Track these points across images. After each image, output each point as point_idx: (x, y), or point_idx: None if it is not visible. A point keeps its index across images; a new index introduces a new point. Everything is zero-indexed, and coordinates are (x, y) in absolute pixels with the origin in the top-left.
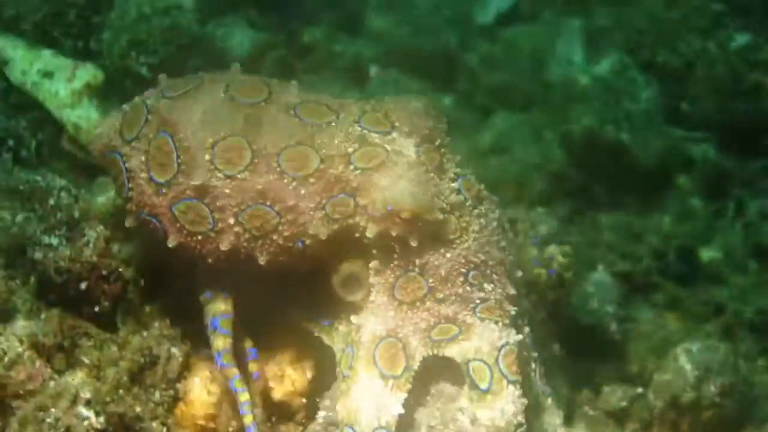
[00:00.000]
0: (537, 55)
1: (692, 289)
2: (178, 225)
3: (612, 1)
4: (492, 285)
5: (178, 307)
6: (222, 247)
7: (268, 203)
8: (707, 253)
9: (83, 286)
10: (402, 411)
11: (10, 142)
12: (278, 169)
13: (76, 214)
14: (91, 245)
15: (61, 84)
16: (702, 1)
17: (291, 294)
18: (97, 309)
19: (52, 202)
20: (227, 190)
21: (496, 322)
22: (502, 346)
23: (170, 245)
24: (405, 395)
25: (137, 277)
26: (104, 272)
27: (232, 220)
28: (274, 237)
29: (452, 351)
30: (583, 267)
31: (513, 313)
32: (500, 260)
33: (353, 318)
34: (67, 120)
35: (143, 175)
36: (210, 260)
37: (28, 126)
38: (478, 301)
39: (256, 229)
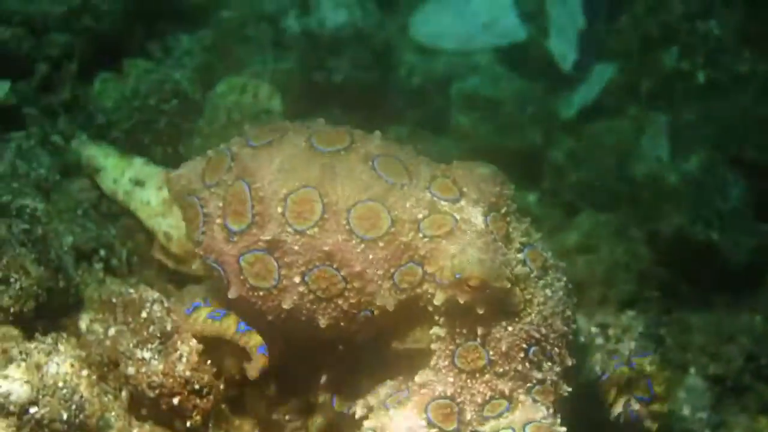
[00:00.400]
0: (622, 151)
1: None
2: (242, 277)
3: (699, 96)
4: (551, 363)
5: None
6: (284, 305)
7: (335, 266)
8: None
9: (176, 401)
10: None
11: (102, 252)
12: (347, 227)
13: (169, 327)
14: (184, 359)
15: (153, 192)
16: None
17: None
18: (189, 424)
19: (144, 314)
20: (296, 247)
21: (547, 408)
22: (538, 420)
23: (231, 296)
24: None
25: (228, 390)
26: (197, 386)
27: (297, 279)
28: (339, 302)
29: (491, 424)
30: (675, 371)
31: (566, 394)
32: (563, 333)
33: (417, 377)
34: (158, 229)
35: (218, 221)
36: (270, 318)
37: (118, 235)
38: (535, 381)
39: (321, 290)
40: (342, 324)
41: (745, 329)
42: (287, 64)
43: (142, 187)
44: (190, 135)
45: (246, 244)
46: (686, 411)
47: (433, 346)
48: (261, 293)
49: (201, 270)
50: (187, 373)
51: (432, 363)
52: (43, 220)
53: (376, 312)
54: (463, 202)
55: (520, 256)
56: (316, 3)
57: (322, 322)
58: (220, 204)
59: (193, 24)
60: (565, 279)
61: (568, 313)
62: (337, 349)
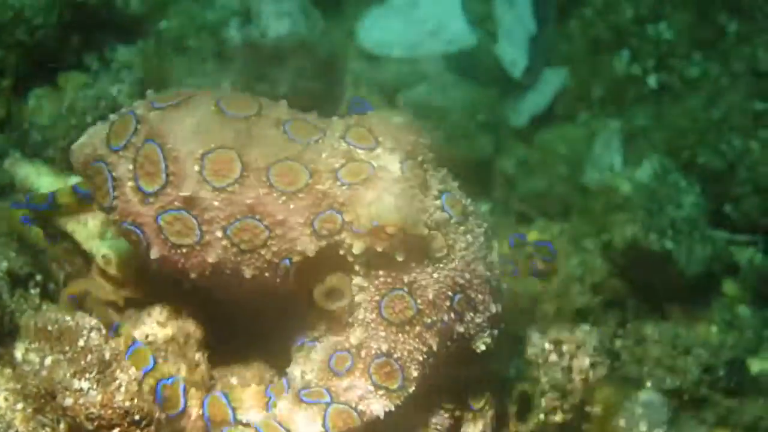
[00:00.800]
0: (574, 159)
1: (743, 402)
2: (162, 237)
3: (650, 101)
4: (473, 313)
5: None
6: (209, 259)
7: (257, 217)
8: (757, 365)
9: None
10: (381, 417)
11: (38, 277)
12: (268, 183)
13: (107, 355)
14: (123, 389)
15: (90, 213)
16: (743, 100)
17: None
18: None
19: (81, 342)
20: (216, 203)
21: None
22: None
23: (153, 257)
24: (392, 407)
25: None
26: (136, 417)
27: (219, 233)
28: (263, 251)
29: None
30: (630, 386)
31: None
32: (486, 278)
33: (352, 338)
34: (96, 251)
35: (130, 183)
36: (194, 275)
37: (55, 259)
38: (456, 335)
39: (244, 243)
40: (266, 275)
41: (700, 340)
42: (229, 75)
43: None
44: None
45: (162, 204)
46: (643, 427)
47: (357, 299)
48: (184, 250)
49: (141, 293)
50: (126, 404)
51: (360, 317)
52: None
53: (295, 259)
54: (379, 150)
55: (437, 202)
56: (257, 12)
57: (248, 273)
58: (130, 167)
59: (132, 35)
60: (485, 225)
61: (490, 258)
62: (262, 308)
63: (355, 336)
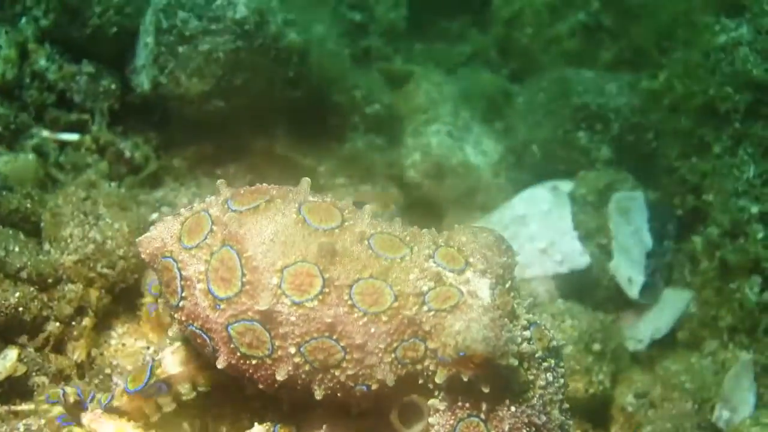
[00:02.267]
0: (701, 395)
1: None
2: (231, 346)
3: None
4: None
5: None
6: (278, 376)
7: (334, 337)
8: None
9: None
10: None
11: None
12: (349, 302)
13: None
14: None
15: None
16: None
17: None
18: None
19: None
20: (293, 318)
21: None
22: None
23: (219, 365)
24: None
25: None
26: None
27: (293, 350)
28: (336, 373)
29: None
30: None
31: None
32: (560, 424)
33: None
34: None
35: (200, 285)
36: (262, 386)
37: None
38: None
39: (318, 362)
40: (339, 395)
41: None
42: None
43: None
44: None
45: (234, 313)
46: None
47: (431, 420)
48: (254, 362)
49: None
50: None
51: None
52: None
53: (374, 387)
54: (468, 274)
55: (526, 333)
56: None
57: (318, 393)
58: (202, 268)
59: None
60: (563, 366)
61: (566, 405)
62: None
63: None
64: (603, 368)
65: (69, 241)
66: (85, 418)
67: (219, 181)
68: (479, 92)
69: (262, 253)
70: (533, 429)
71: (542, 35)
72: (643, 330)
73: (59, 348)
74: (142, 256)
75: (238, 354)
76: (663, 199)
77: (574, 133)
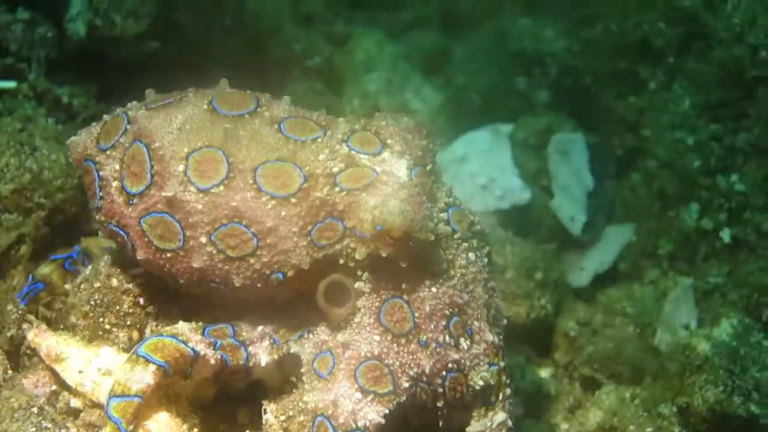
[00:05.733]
0: (643, 319)
1: None
2: (146, 239)
3: (723, 257)
4: (469, 342)
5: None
6: (194, 264)
7: (244, 223)
8: None
9: None
10: (382, 421)
11: None
12: (255, 185)
13: None
14: None
15: None
16: None
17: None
18: None
19: None
20: (200, 206)
21: None
22: None
23: (139, 258)
24: (386, 411)
25: None
26: None
27: (204, 239)
28: (251, 261)
29: None
30: None
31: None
32: (485, 302)
33: (339, 336)
34: None
35: (115, 183)
36: (182, 280)
37: None
38: (450, 362)
39: (230, 249)
40: (258, 285)
41: None
42: None
43: (112, 377)
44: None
45: (146, 206)
46: None
47: (358, 303)
48: (168, 255)
49: None
50: None
51: (356, 320)
52: None
53: (289, 273)
54: (385, 154)
55: (443, 215)
56: None
57: (237, 282)
58: (117, 167)
59: None
60: (488, 247)
61: (492, 283)
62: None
63: (343, 336)
64: (546, 295)
65: (5, 170)
66: (30, 333)
67: (147, 90)
68: (419, 50)
69: (169, 142)
70: (455, 309)
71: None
72: (586, 265)
73: None
74: (72, 162)
75: (153, 248)
76: (602, 140)
77: (513, 78)
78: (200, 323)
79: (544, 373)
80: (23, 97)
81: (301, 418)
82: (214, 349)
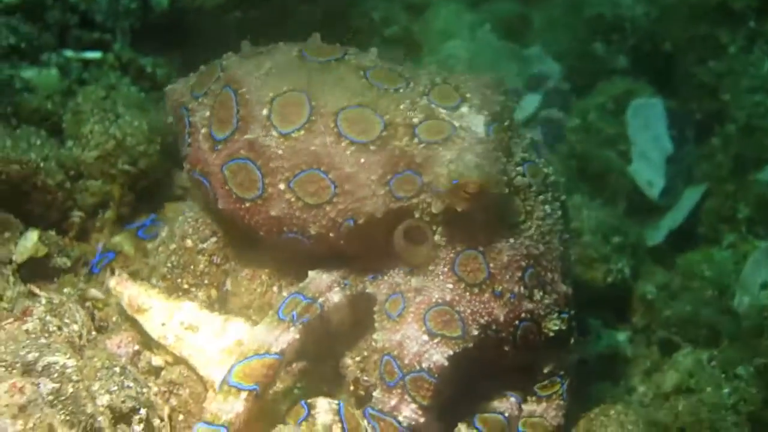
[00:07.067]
0: (722, 283)
1: None
2: (227, 187)
3: None
4: (542, 293)
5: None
6: (272, 212)
7: (323, 169)
8: None
9: None
10: (446, 364)
11: (142, 411)
12: (336, 130)
13: None
14: None
15: (209, 338)
16: None
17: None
18: None
19: None
20: (280, 151)
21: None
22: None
23: (220, 207)
24: (452, 352)
25: None
26: None
27: (282, 186)
28: (328, 209)
29: None
30: None
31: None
32: (560, 254)
33: (414, 280)
34: (214, 379)
35: (203, 130)
36: (261, 232)
37: (160, 391)
38: (524, 312)
39: (309, 196)
40: (331, 235)
41: None
42: None
43: (195, 332)
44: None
45: (229, 152)
46: None
47: (432, 254)
48: (247, 204)
49: None
50: None
51: (431, 268)
52: (74, 378)
53: (360, 221)
54: (464, 109)
55: (519, 169)
56: None
57: (313, 230)
58: (207, 114)
59: None
60: (564, 198)
61: (566, 235)
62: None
63: (417, 281)
64: (623, 258)
65: (90, 137)
66: (112, 281)
67: (243, 42)
68: (497, 17)
69: (255, 87)
70: (531, 260)
71: None
72: (661, 223)
73: (82, 237)
74: (168, 109)
75: (233, 197)
76: (681, 105)
77: (591, 44)
78: (271, 313)
79: (621, 336)
80: (109, 67)
81: (375, 357)
82: (293, 324)
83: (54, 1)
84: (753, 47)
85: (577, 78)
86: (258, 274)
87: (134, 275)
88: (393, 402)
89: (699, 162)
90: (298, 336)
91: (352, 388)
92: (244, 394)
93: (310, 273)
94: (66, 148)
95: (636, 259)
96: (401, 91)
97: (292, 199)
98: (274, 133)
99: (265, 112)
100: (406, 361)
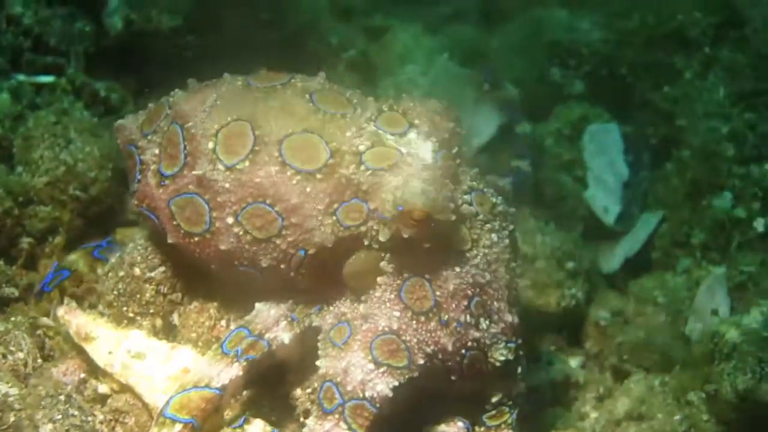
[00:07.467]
0: (675, 308)
1: None
2: (174, 223)
3: (757, 246)
4: (489, 322)
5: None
6: (221, 246)
7: (268, 201)
8: None
9: None
10: (390, 395)
11: None
12: (280, 158)
13: None
14: None
15: (156, 366)
16: None
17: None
18: None
19: None
20: (227, 185)
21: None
22: None
23: (169, 242)
24: (397, 383)
25: None
26: None
27: (230, 220)
28: (278, 242)
29: None
30: None
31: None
32: (507, 283)
33: (361, 307)
34: (159, 407)
35: (153, 167)
36: (212, 265)
37: (106, 419)
38: (471, 341)
39: (256, 230)
40: (282, 266)
41: None
42: None
43: (142, 360)
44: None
45: (176, 187)
46: None
47: (379, 280)
48: (196, 239)
49: None
50: None
51: (377, 295)
52: (16, 407)
53: (311, 251)
54: (412, 135)
55: (466, 197)
56: None
57: (264, 263)
58: (156, 151)
59: None
60: (512, 228)
61: (513, 264)
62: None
63: (363, 308)
64: (577, 284)
65: (40, 163)
66: (60, 309)
67: (189, 80)
68: (456, 43)
69: (201, 120)
70: (477, 289)
71: None
72: (616, 250)
73: (30, 266)
74: (118, 142)
75: (182, 232)
76: (637, 130)
77: (548, 69)
78: (215, 346)
79: (574, 362)
80: (62, 91)
81: (316, 384)
82: (237, 360)
83: (7, 24)
84: (708, 73)
85: (534, 103)
86: (206, 307)
87: (88, 293)
88: (326, 427)
89: (654, 187)
90: (241, 373)
91: (302, 419)
92: (178, 427)
93: (257, 305)
94: (16, 173)
95: (590, 284)
96: (348, 116)
97: (241, 233)
98: (220, 166)
99: (210, 145)
100: (349, 388)
